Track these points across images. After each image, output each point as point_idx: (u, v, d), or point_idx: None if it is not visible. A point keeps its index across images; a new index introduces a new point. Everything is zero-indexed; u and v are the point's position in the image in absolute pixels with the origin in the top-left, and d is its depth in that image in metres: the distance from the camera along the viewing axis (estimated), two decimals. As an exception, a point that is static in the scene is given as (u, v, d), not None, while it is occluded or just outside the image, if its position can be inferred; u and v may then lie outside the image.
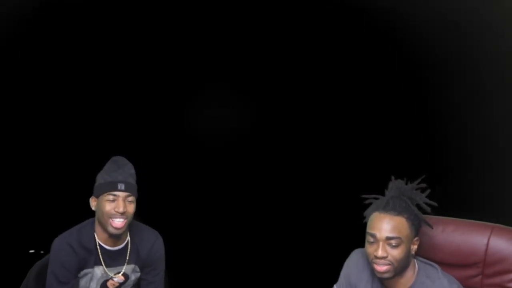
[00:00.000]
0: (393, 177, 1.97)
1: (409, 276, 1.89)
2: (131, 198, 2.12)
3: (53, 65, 3.74)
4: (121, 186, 2.09)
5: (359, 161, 3.92)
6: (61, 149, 3.74)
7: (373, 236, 1.82)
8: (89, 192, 2.18)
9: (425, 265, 1.93)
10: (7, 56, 3.65)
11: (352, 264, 2.05)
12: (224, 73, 4.00)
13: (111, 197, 2.09)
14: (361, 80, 3.90)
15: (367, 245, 1.86)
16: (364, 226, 1.91)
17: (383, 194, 1.92)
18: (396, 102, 3.84)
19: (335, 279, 2.12)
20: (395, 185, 1.93)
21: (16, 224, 3.58)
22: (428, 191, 1.93)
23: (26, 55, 3.70)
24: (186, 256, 3.73)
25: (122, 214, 2.09)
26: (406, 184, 1.95)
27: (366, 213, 1.91)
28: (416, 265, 1.92)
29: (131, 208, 2.12)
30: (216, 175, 4.01)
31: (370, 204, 1.93)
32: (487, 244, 2.00)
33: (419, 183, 1.95)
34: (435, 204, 1.92)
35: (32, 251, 2.47)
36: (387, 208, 1.84)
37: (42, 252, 2.63)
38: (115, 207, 2.08)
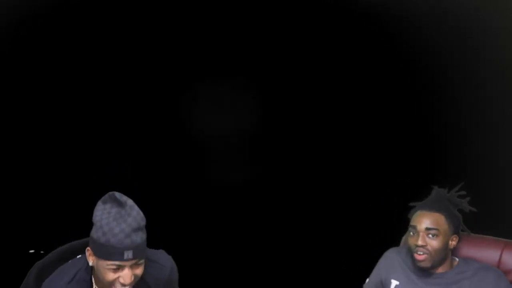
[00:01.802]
0: (436, 186, 2.20)
1: (447, 265, 2.11)
2: (140, 261, 1.69)
3: (50, 65, 3.74)
4: (128, 254, 1.64)
5: (365, 165, 3.92)
6: (60, 149, 3.74)
7: (414, 227, 2.08)
8: (88, 192, 2.08)
9: (466, 259, 2.16)
10: (5, 59, 3.65)
11: (387, 261, 2.23)
12: (224, 72, 3.99)
13: (114, 266, 1.66)
14: (364, 82, 3.90)
15: (409, 238, 2.10)
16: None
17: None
18: (403, 106, 3.84)
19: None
20: (437, 191, 2.18)
21: (16, 224, 3.58)
22: (468, 198, 2.17)
23: (23, 59, 3.70)
24: (188, 262, 3.73)
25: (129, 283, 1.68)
26: (448, 192, 2.18)
27: (410, 214, 2.15)
28: (457, 259, 2.14)
29: (140, 270, 1.70)
30: (216, 179, 4.00)
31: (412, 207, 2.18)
32: (500, 257, 2.13)
33: (458, 190, 2.17)
34: (474, 209, 2.15)
35: (32, 251, 2.46)
36: (428, 206, 2.11)
37: (42, 252, 2.62)
38: (120, 278, 1.67)
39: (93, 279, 1.78)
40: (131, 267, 1.66)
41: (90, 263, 1.73)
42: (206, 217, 3.93)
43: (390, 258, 2.23)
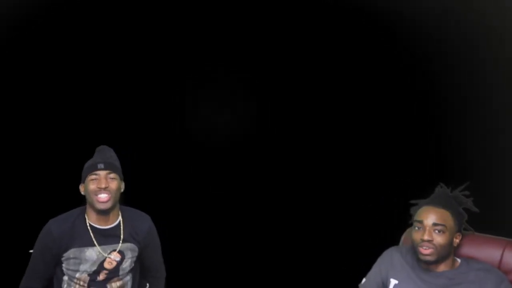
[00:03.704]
0: (441, 184, 2.21)
1: (449, 264, 2.11)
2: (112, 175, 2.30)
3: (44, 59, 3.71)
4: (100, 165, 2.29)
5: (365, 166, 3.92)
6: (61, 149, 3.74)
7: (421, 222, 2.07)
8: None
9: (468, 259, 2.17)
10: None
11: (386, 260, 2.22)
12: (223, 68, 3.98)
13: (93, 177, 2.28)
14: (363, 82, 3.90)
15: (414, 232, 2.10)
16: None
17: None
18: (403, 106, 3.83)
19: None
20: (441, 190, 2.18)
21: (16, 224, 3.58)
22: (471, 198, 2.17)
23: (18, 50, 3.68)
24: (184, 256, 3.73)
25: (105, 189, 2.26)
26: (451, 191, 2.19)
27: (413, 209, 2.17)
28: (459, 260, 2.14)
29: (114, 184, 2.29)
30: (215, 179, 4.00)
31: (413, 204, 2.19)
32: (501, 256, 2.13)
33: (462, 190, 2.18)
34: (476, 210, 2.15)
35: (32, 251, 2.48)
36: (434, 202, 2.11)
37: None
38: (98, 184, 2.26)
39: (86, 216, 2.33)
40: (106, 179, 2.27)
41: (82, 193, 2.33)
42: (204, 218, 3.93)
43: (389, 257, 2.23)
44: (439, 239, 2.04)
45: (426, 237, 2.04)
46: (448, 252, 2.09)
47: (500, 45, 3.49)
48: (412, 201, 2.20)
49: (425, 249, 2.05)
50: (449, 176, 2.37)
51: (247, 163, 4.04)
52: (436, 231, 2.05)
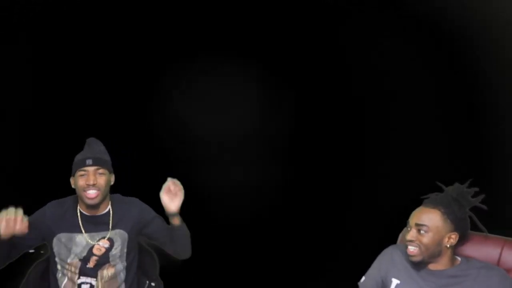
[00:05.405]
0: (439, 183, 2.20)
1: (448, 263, 2.09)
2: (101, 171, 2.35)
3: (23, 47, 3.68)
4: (89, 161, 2.33)
5: (365, 165, 3.91)
6: (60, 148, 3.73)
7: (408, 223, 2.12)
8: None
9: (468, 258, 2.15)
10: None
11: (387, 258, 2.23)
12: (222, 64, 3.97)
13: (82, 172, 2.33)
14: (365, 81, 3.89)
15: (405, 232, 2.13)
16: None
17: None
18: (404, 105, 3.83)
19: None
20: (445, 189, 2.17)
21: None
22: (482, 195, 2.14)
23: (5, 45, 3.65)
24: (188, 265, 3.73)
25: (94, 185, 2.32)
26: (458, 189, 2.15)
27: None
28: (459, 258, 2.12)
29: (102, 180, 2.34)
30: (213, 179, 3.99)
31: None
32: (500, 255, 2.13)
33: (469, 186, 2.15)
34: (485, 207, 2.12)
35: (32, 251, 2.48)
36: (426, 202, 2.12)
37: (42, 252, 2.63)
38: (86, 181, 2.32)
39: (78, 206, 2.40)
40: (95, 175, 2.31)
41: (72, 186, 2.38)
42: (203, 217, 3.93)
43: (390, 256, 2.23)
44: (421, 238, 2.06)
45: (408, 237, 2.09)
46: (438, 251, 2.08)
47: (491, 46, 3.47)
48: (422, 197, 2.21)
49: (409, 249, 2.09)
50: (449, 175, 2.37)
51: (247, 161, 4.04)
52: (421, 231, 2.07)
